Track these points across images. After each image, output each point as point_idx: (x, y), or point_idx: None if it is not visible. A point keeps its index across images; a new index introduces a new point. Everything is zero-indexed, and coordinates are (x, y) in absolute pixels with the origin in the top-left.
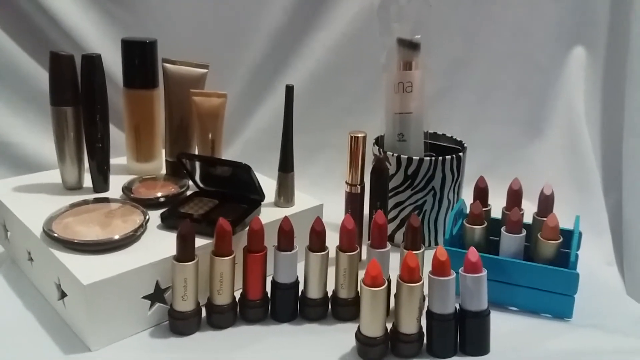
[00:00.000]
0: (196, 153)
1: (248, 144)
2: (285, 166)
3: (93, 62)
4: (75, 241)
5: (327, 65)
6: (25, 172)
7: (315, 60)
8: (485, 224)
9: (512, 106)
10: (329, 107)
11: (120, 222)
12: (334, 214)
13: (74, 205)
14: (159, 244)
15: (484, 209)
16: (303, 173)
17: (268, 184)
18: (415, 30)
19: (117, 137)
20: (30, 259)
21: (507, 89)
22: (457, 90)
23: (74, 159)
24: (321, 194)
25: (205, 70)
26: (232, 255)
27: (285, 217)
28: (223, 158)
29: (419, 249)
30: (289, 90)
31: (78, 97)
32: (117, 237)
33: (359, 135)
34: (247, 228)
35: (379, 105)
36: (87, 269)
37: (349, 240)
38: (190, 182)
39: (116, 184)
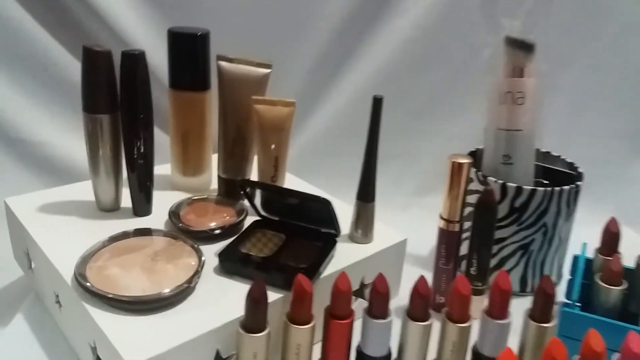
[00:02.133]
0: (256, 175)
1: (303, 149)
2: (367, 194)
3: (135, 61)
4: (113, 297)
5: (396, 61)
6: (54, 178)
7: (383, 54)
8: (625, 285)
9: (614, 116)
10: (395, 110)
11: (170, 267)
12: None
13: (112, 240)
14: (219, 298)
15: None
16: None
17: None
18: (528, 28)
19: (160, 140)
20: (59, 303)
21: (608, 95)
22: (548, 94)
23: (110, 174)
24: (387, 214)
25: (268, 71)
26: (312, 323)
27: (380, 275)
28: (296, 189)
29: (549, 322)
30: (377, 102)
31: (116, 103)
32: (167, 291)
33: (463, 161)
34: (332, 285)
35: (455, 110)
36: (131, 340)
37: (462, 309)
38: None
39: (159, 204)
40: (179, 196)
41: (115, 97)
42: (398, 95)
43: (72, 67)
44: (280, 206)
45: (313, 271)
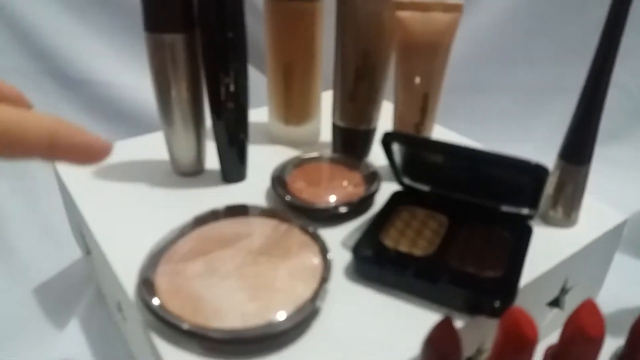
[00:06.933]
0: (391, 122)
1: None
2: (579, 152)
3: None
4: (196, 332)
5: None
6: (118, 127)
7: None
8: None
9: None
10: None
11: (282, 274)
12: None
13: (197, 223)
14: (361, 325)
15: None
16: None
17: None
18: None
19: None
20: (122, 314)
21: None
22: None
23: (188, 123)
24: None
25: None
26: None
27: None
28: (487, 150)
29: None
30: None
31: (192, 17)
32: (282, 318)
33: None
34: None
35: None
36: None
37: None
38: (384, 167)
39: (255, 165)
40: (280, 153)
41: (190, 8)
42: None
43: None
44: (441, 172)
45: (513, 285)
